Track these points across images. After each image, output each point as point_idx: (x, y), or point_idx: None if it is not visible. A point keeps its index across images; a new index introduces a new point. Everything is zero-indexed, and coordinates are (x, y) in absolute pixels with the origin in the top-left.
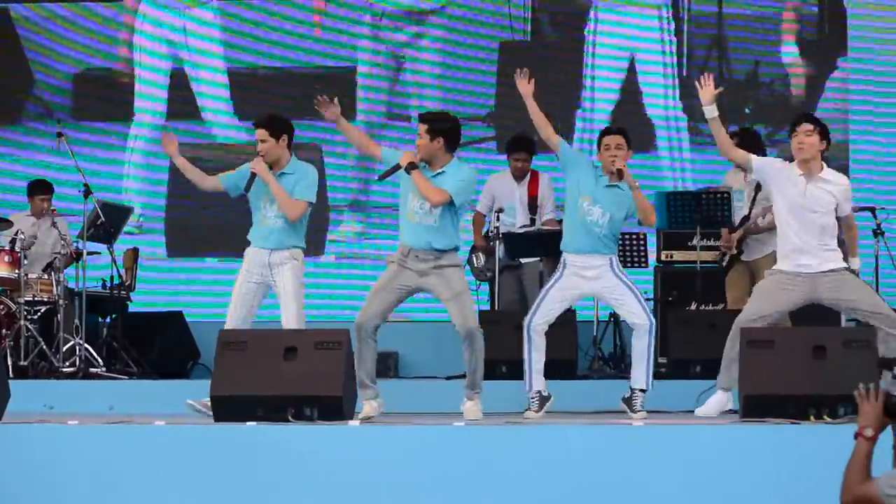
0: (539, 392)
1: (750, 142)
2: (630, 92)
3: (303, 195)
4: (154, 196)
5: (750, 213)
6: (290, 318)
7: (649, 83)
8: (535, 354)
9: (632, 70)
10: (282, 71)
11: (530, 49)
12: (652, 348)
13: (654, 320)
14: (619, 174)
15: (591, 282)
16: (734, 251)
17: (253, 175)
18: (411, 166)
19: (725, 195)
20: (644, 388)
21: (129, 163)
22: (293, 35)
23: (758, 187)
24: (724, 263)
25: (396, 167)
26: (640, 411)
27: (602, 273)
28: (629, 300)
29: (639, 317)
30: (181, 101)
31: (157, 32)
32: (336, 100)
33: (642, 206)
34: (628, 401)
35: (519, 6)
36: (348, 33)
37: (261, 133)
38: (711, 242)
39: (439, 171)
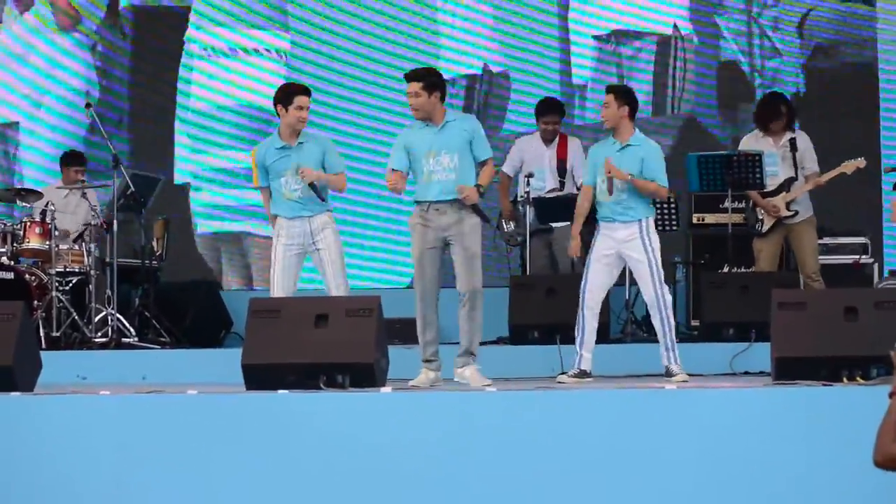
0: (583, 371)
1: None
2: None
3: (339, 167)
4: None
5: (796, 174)
6: (338, 282)
7: None
8: (586, 332)
9: None
10: None
11: None
12: (666, 323)
13: (664, 297)
14: (610, 184)
15: (622, 244)
16: (786, 213)
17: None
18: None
19: (756, 157)
20: (666, 363)
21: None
22: None
23: (793, 148)
24: (765, 230)
25: (479, 211)
26: (677, 374)
27: (632, 236)
28: (644, 273)
29: (647, 292)
30: None
31: None
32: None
33: (647, 192)
34: (666, 372)
35: None
36: None
37: (305, 100)
38: (743, 205)
39: (442, 123)
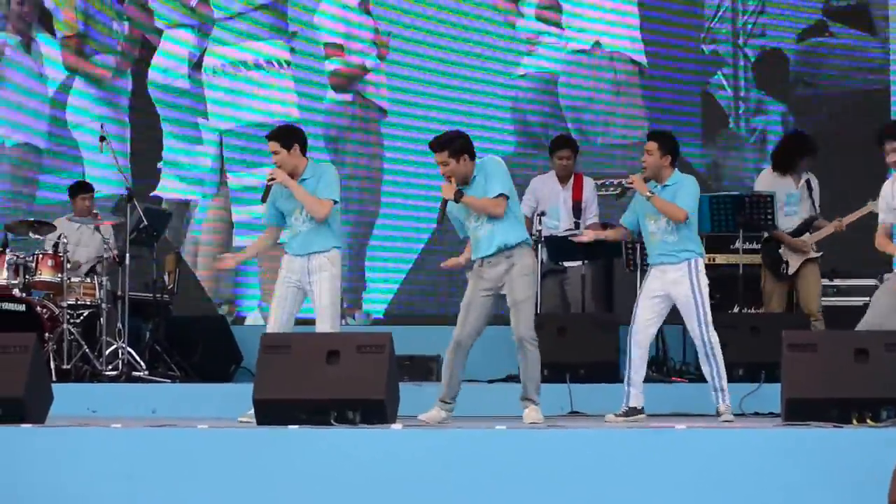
0: (632, 408)
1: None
2: None
3: (325, 194)
4: None
5: (816, 214)
6: (324, 328)
7: None
8: (632, 369)
9: None
10: None
11: None
12: (715, 367)
13: (710, 339)
14: (622, 193)
15: (671, 284)
16: (815, 253)
17: (268, 187)
18: (458, 195)
19: (768, 198)
20: (717, 404)
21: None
22: None
23: (809, 188)
24: (791, 272)
25: (444, 203)
26: (724, 413)
27: (682, 279)
28: (691, 314)
29: (694, 333)
30: None
31: None
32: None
33: (664, 211)
34: (717, 412)
35: None
36: None
37: (272, 146)
38: (754, 246)
39: (471, 180)
